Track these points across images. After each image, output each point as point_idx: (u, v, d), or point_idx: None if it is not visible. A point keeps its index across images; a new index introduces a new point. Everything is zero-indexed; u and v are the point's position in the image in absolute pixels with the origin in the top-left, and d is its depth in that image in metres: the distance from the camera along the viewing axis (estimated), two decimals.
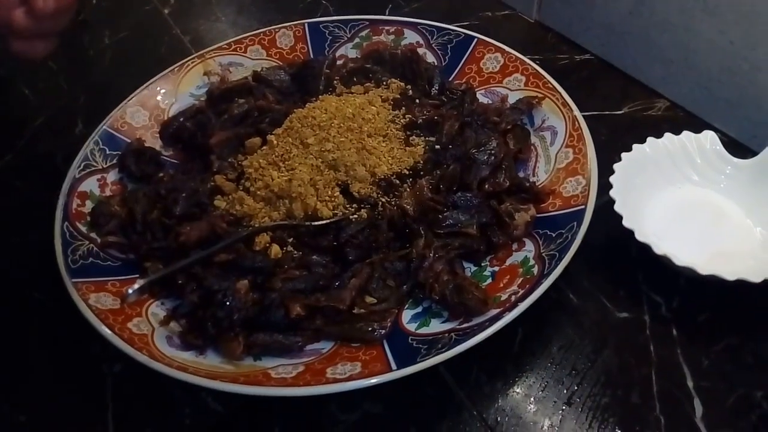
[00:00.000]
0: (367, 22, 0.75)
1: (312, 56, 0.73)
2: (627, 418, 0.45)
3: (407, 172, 0.57)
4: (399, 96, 0.64)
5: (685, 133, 0.59)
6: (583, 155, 0.57)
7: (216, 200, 0.57)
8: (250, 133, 0.61)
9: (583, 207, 0.52)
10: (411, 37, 0.73)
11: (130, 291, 0.44)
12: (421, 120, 0.61)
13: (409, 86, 0.66)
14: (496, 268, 0.52)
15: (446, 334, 0.46)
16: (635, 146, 0.58)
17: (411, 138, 0.60)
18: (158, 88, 0.68)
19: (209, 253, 0.49)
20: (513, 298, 0.47)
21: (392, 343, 0.47)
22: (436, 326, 0.48)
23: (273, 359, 0.47)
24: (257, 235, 0.53)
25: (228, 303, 0.48)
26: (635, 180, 0.56)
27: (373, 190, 0.55)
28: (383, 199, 0.55)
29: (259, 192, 0.56)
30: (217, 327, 0.47)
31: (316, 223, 0.53)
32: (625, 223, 0.51)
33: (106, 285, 0.51)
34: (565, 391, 0.47)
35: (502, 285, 0.50)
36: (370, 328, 0.48)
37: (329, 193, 0.55)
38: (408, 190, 0.55)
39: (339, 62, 0.71)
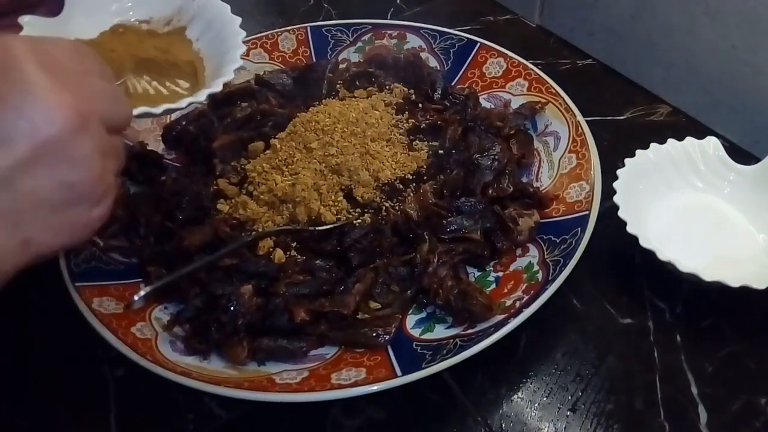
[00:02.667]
0: (370, 26, 0.75)
1: (314, 60, 0.73)
2: (631, 425, 0.45)
3: (411, 177, 0.57)
4: (402, 100, 0.64)
5: (688, 139, 0.59)
6: (586, 160, 0.57)
7: (219, 204, 0.56)
8: (252, 137, 0.61)
9: (587, 212, 0.52)
10: (413, 41, 0.74)
11: (136, 298, 0.43)
12: (424, 124, 0.61)
13: (411, 91, 0.66)
14: (500, 274, 0.52)
15: (451, 340, 0.46)
16: (638, 152, 0.58)
17: (414, 143, 0.60)
18: None
19: (215, 259, 0.49)
20: (518, 303, 0.47)
21: (397, 349, 0.47)
22: (440, 332, 0.48)
23: (277, 364, 0.47)
24: (261, 239, 0.53)
25: (232, 308, 0.47)
26: (639, 186, 0.56)
27: (377, 195, 0.55)
28: (387, 204, 0.55)
29: (262, 196, 0.56)
30: (221, 332, 0.47)
31: (320, 227, 0.53)
32: (630, 228, 0.51)
33: (109, 289, 0.51)
34: (569, 397, 0.47)
35: (506, 290, 0.50)
36: (374, 334, 0.48)
37: (333, 197, 0.55)
38: (411, 194, 0.55)
39: (342, 66, 0.71)
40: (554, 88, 0.64)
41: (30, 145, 0.32)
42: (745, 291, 0.48)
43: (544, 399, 0.47)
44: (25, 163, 0.32)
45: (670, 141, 0.59)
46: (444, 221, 0.53)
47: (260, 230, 0.53)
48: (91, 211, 0.36)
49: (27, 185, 0.33)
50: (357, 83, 0.68)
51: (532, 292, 0.48)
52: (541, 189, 0.58)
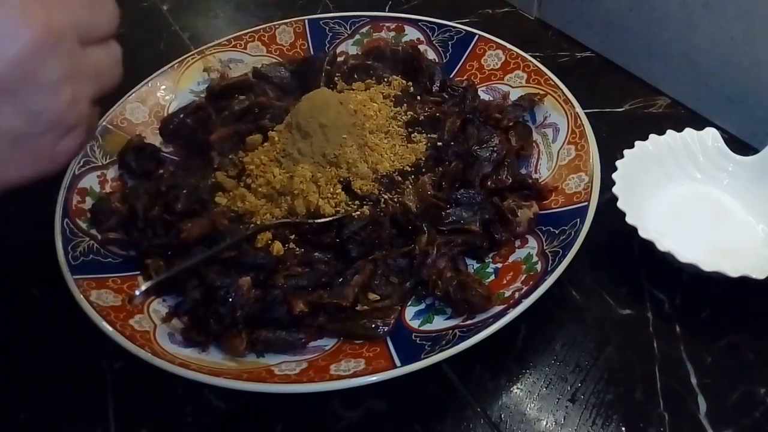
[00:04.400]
0: (368, 19, 0.75)
1: (312, 53, 0.73)
2: (631, 415, 0.45)
3: (409, 169, 0.57)
4: (400, 93, 0.64)
5: (687, 130, 0.59)
6: (585, 152, 0.57)
7: (217, 197, 0.56)
8: (250, 130, 0.61)
9: (585, 204, 0.52)
10: (412, 33, 0.73)
11: (137, 293, 0.43)
12: (422, 117, 0.61)
13: (410, 83, 0.66)
14: (499, 265, 0.52)
15: (450, 331, 0.46)
16: (637, 143, 0.58)
17: (413, 135, 0.60)
18: (158, 85, 0.68)
19: (215, 252, 0.49)
20: (517, 294, 0.47)
21: (396, 340, 0.47)
22: (439, 323, 0.48)
23: (276, 356, 0.47)
24: (259, 233, 0.52)
25: (230, 299, 0.47)
26: (638, 177, 0.56)
27: (375, 187, 0.55)
28: (385, 196, 0.55)
29: (260, 189, 0.55)
30: (219, 323, 0.47)
31: (319, 220, 0.53)
32: (629, 219, 0.51)
33: (107, 282, 0.51)
34: (568, 388, 0.47)
35: (505, 282, 0.50)
36: (373, 325, 0.48)
37: (331, 190, 0.55)
38: (410, 186, 0.55)
39: (340, 59, 0.71)
40: (553, 80, 0.64)
41: None
42: (744, 281, 0.48)
43: (544, 390, 0.47)
44: None
45: (669, 132, 0.59)
46: (443, 213, 0.53)
47: (258, 223, 0.53)
48: (58, 143, 0.32)
49: None
50: (355, 76, 0.67)
51: (531, 283, 0.48)
52: (540, 180, 0.58)
